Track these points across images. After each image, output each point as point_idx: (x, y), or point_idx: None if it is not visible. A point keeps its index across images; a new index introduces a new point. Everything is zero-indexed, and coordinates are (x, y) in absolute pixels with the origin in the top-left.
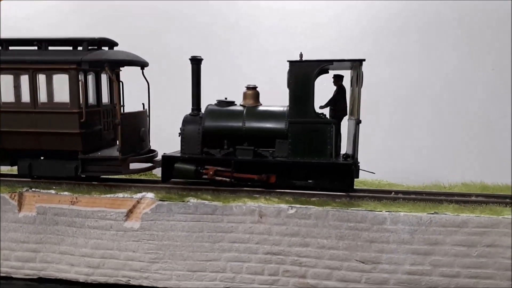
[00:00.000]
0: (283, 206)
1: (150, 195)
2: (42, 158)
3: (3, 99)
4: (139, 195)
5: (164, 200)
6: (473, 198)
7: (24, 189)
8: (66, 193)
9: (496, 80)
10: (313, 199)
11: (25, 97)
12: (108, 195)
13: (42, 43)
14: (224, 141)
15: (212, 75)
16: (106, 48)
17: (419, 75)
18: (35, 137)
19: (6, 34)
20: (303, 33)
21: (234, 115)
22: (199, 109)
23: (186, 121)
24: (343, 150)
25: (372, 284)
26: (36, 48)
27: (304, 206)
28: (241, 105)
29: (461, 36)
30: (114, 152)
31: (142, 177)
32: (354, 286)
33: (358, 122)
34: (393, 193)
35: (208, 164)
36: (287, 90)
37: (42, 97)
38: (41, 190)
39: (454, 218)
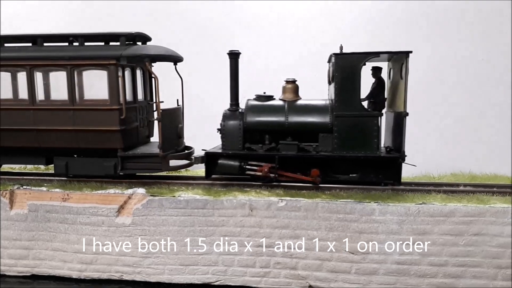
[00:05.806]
0: (273, 199)
1: (141, 190)
2: (75, 156)
3: (39, 97)
4: (130, 190)
5: (155, 195)
6: (461, 188)
7: (15, 187)
8: (57, 190)
9: (487, 71)
10: (303, 191)
11: (60, 94)
12: (100, 191)
13: (78, 38)
14: (266, 136)
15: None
16: (140, 43)
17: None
18: (72, 135)
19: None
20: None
21: (276, 110)
22: (238, 104)
23: (226, 116)
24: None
25: (362, 274)
26: (67, 44)
27: (294, 198)
28: (280, 99)
29: (454, 26)
30: (152, 149)
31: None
32: (345, 277)
33: (405, 114)
34: (382, 184)
35: (251, 159)
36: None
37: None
38: (32, 188)
39: (442, 207)
